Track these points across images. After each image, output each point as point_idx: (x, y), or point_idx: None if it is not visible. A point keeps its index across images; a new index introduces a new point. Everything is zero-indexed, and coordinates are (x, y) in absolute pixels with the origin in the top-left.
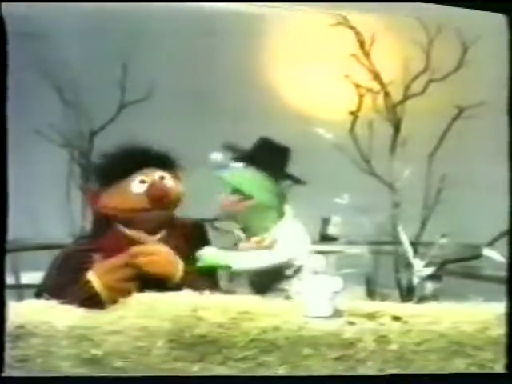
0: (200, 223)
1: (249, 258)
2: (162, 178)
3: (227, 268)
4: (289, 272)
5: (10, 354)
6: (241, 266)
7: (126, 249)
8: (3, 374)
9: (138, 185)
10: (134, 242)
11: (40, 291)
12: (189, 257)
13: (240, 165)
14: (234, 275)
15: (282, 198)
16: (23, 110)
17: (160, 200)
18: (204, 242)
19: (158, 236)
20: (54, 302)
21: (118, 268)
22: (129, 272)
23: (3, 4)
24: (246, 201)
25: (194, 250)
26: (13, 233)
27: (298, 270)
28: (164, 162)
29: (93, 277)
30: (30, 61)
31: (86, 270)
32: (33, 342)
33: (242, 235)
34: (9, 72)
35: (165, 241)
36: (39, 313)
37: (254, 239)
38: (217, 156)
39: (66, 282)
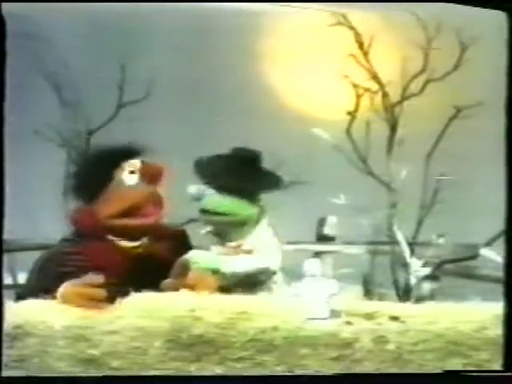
0: (182, 230)
1: (237, 263)
2: (142, 162)
3: (217, 271)
4: (262, 277)
5: (6, 353)
6: (230, 270)
7: (108, 253)
8: (0, 374)
9: (129, 177)
10: (116, 247)
11: (21, 295)
12: (171, 264)
13: (212, 191)
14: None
15: (261, 210)
16: (22, 109)
17: (157, 177)
18: (186, 249)
19: (139, 242)
20: (51, 302)
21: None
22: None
23: (3, 4)
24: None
25: (176, 258)
26: (10, 233)
27: (271, 275)
28: (132, 152)
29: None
30: (29, 61)
31: (68, 273)
32: (30, 341)
33: (216, 239)
34: (7, 72)
35: (147, 247)
36: (36, 313)
37: (229, 244)
38: (192, 188)
39: (46, 287)
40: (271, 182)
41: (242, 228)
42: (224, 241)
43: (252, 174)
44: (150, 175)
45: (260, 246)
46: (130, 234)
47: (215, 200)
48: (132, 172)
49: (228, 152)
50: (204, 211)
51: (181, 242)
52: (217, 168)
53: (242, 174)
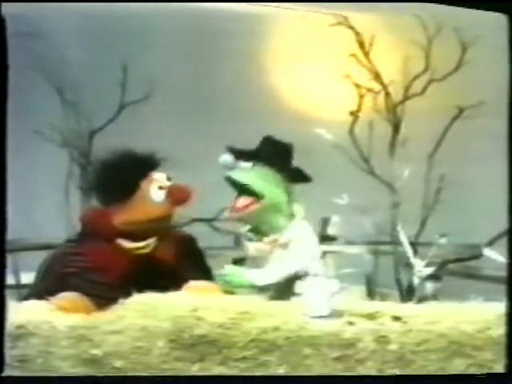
0: (191, 237)
1: (270, 273)
2: (169, 179)
3: (252, 286)
4: (302, 274)
5: (9, 353)
6: (264, 282)
7: (112, 255)
8: (3, 374)
9: (157, 192)
10: (120, 249)
11: (27, 296)
12: (177, 268)
13: (248, 164)
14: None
15: (290, 194)
16: (23, 109)
17: (185, 200)
18: (195, 255)
19: (147, 244)
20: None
21: None
22: None
23: (3, 4)
24: (257, 202)
25: (184, 263)
26: (12, 233)
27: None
28: (155, 162)
29: None
30: (30, 61)
31: (71, 274)
32: (33, 341)
33: (253, 236)
34: (9, 72)
35: (154, 250)
36: (39, 313)
37: (266, 239)
38: (226, 158)
39: (51, 288)
40: (299, 175)
41: (274, 217)
42: (260, 236)
43: (284, 158)
44: (178, 197)
45: (297, 243)
46: (139, 236)
47: (246, 173)
48: (160, 188)
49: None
50: (232, 181)
51: (188, 248)
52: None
53: (276, 155)
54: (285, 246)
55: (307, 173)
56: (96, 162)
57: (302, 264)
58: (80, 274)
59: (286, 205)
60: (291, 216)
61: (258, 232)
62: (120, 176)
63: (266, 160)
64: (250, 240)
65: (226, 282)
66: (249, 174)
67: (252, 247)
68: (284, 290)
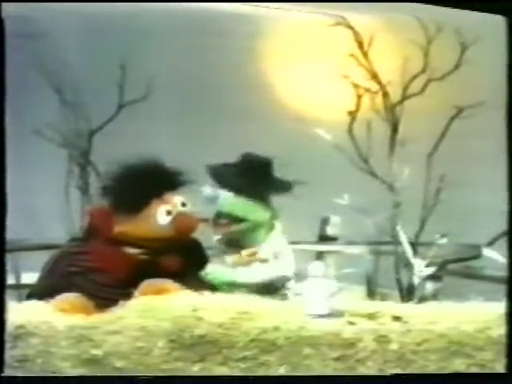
0: (196, 241)
1: (252, 273)
2: (183, 204)
3: (233, 283)
4: (277, 284)
5: (9, 353)
6: (246, 280)
7: (114, 257)
8: (3, 374)
9: (163, 216)
10: (124, 252)
11: (30, 294)
12: (185, 273)
13: (229, 194)
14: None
15: (273, 212)
16: (22, 109)
17: (188, 232)
18: (199, 259)
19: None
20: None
21: None
22: None
23: (3, 4)
24: (239, 223)
25: (188, 266)
26: (12, 233)
27: (286, 282)
28: (178, 181)
29: None
30: (30, 61)
31: (75, 273)
32: (32, 342)
33: (227, 248)
34: (8, 72)
35: (154, 255)
36: (39, 313)
37: (244, 252)
38: (207, 190)
39: (55, 286)
40: (281, 186)
41: (256, 234)
42: (237, 248)
43: (263, 179)
44: (182, 227)
45: (275, 253)
46: (139, 245)
47: (231, 203)
48: (168, 213)
49: (239, 158)
50: (219, 214)
51: (193, 251)
52: (230, 172)
53: (254, 178)
54: (264, 260)
55: (287, 181)
56: (118, 164)
57: (284, 272)
58: (83, 273)
59: (268, 223)
60: (271, 229)
61: (236, 246)
62: (135, 188)
63: (245, 189)
64: (225, 253)
65: (209, 280)
66: (231, 202)
67: (229, 259)
68: (270, 289)
